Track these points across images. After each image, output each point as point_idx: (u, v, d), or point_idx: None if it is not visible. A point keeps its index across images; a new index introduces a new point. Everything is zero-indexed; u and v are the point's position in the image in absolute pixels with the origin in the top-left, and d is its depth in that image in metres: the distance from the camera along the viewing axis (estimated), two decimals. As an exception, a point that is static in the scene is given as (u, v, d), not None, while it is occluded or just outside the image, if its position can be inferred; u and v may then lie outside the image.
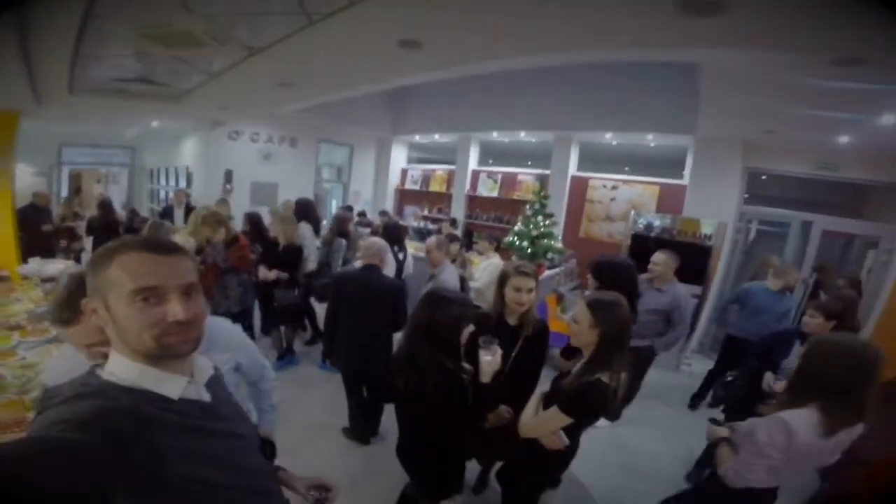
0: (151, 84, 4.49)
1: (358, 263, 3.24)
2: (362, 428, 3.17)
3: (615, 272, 2.63)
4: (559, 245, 5.99)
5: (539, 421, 1.72)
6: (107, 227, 5.51)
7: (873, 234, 5.12)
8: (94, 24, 2.85)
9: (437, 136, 8.76)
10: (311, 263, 4.37)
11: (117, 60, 3.68)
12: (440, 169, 9.02)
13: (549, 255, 5.87)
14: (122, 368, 0.75)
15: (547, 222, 5.85)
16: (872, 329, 5.04)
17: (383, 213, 8.05)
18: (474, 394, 1.73)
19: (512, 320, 2.07)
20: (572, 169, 6.87)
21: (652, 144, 6.31)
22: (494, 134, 7.73)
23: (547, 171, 7.03)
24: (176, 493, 0.69)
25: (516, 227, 6.00)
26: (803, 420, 1.51)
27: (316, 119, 7.40)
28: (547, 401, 1.74)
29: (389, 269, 4.01)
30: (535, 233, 5.79)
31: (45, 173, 8.20)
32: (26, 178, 7.42)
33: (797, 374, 1.62)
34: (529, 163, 7.79)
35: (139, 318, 0.72)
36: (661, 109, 5.57)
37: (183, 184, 7.83)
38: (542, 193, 5.90)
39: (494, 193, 7.96)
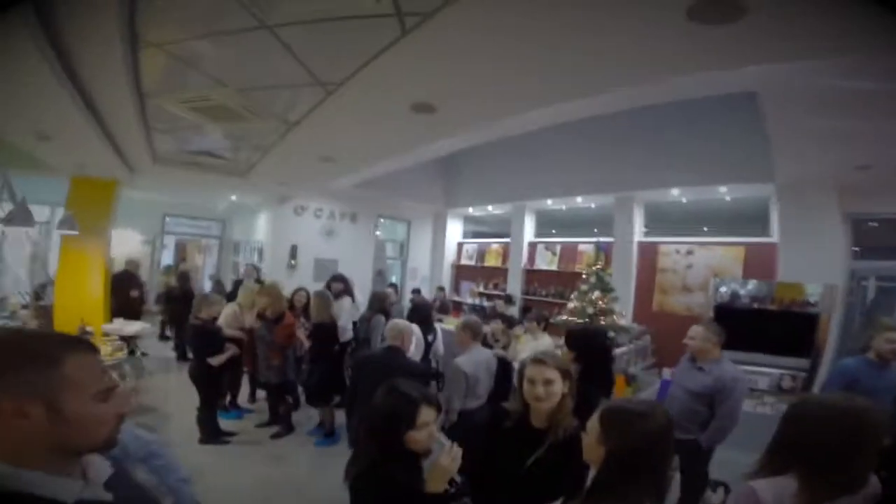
0: (216, 157, 5.00)
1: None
2: None
3: (588, 340, 2.57)
4: (623, 322, 5.21)
5: None
6: (184, 296, 5.96)
7: None
8: (148, 99, 3.22)
9: (490, 208, 8.65)
10: (346, 333, 4.41)
11: (180, 134, 4.14)
12: (495, 242, 8.77)
13: (610, 334, 5.08)
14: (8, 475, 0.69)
15: (606, 298, 5.17)
16: None
17: (440, 289, 7.95)
18: None
19: (538, 422, 1.70)
20: (638, 234, 6.20)
21: (728, 199, 5.54)
22: (549, 202, 7.41)
23: (611, 239, 6.40)
24: None
25: (571, 305, 5.38)
26: (775, 489, 1.27)
27: (373, 194, 7.69)
28: None
29: (418, 351, 3.88)
30: (591, 310, 5.12)
31: (150, 241, 9.30)
32: (135, 245, 8.53)
33: (775, 437, 1.41)
34: (595, 230, 7.22)
35: (100, 413, 0.75)
36: (730, 156, 4.88)
37: (256, 258, 8.41)
38: (597, 264, 5.30)
39: (553, 266, 7.43)
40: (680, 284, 5.70)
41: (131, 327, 5.01)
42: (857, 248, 4.62)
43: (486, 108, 3.09)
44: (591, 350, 2.36)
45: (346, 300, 4.86)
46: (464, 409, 2.94)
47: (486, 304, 7.96)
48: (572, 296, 5.47)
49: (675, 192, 5.73)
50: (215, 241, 10.72)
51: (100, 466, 0.82)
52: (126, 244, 7.97)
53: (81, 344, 0.79)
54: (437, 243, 9.71)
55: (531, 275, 7.73)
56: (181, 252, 10.74)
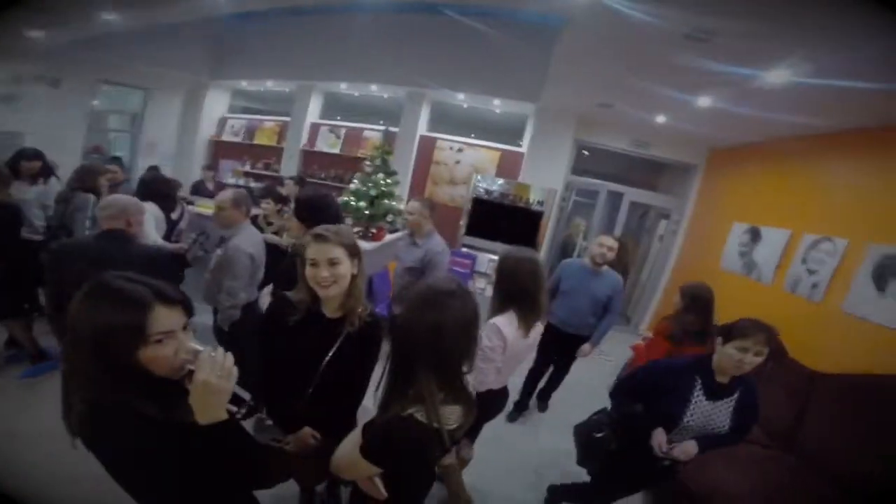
0: None
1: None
2: None
3: (321, 208, 2.28)
4: (402, 206, 5.50)
5: (343, 460, 1.15)
6: None
7: (667, 206, 5.94)
8: None
9: (269, 84, 7.41)
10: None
11: None
12: (270, 120, 7.67)
13: (390, 217, 5.34)
14: None
15: (389, 181, 5.28)
16: (667, 282, 5.86)
17: (208, 168, 6.46)
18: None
19: (329, 310, 1.48)
20: (422, 128, 6.44)
21: (497, 111, 6.27)
22: (343, 85, 6.83)
23: (395, 129, 6.44)
24: None
25: (352, 186, 5.29)
26: (508, 323, 1.82)
27: (92, 54, 5.55)
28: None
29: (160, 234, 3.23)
30: (374, 192, 5.16)
31: None
32: None
33: (497, 287, 1.91)
34: (382, 122, 7.11)
35: None
36: (512, 75, 5.49)
37: None
38: (384, 148, 5.28)
39: (336, 149, 7.06)
40: (449, 177, 6.34)
41: None
42: (575, 168, 6.02)
43: None
44: (325, 218, 1.98)
45: (51, 182, 3.42)
46: (249, 302, 2.56)
47: (255, 184, 7.08)
48: (355, 177, 5.37)
49: (460, 96, 6.11)
50: None
51: None
52: None
53: None
54: (189, 117, 7.85)
55: (310, 156, 7.20)
56: None
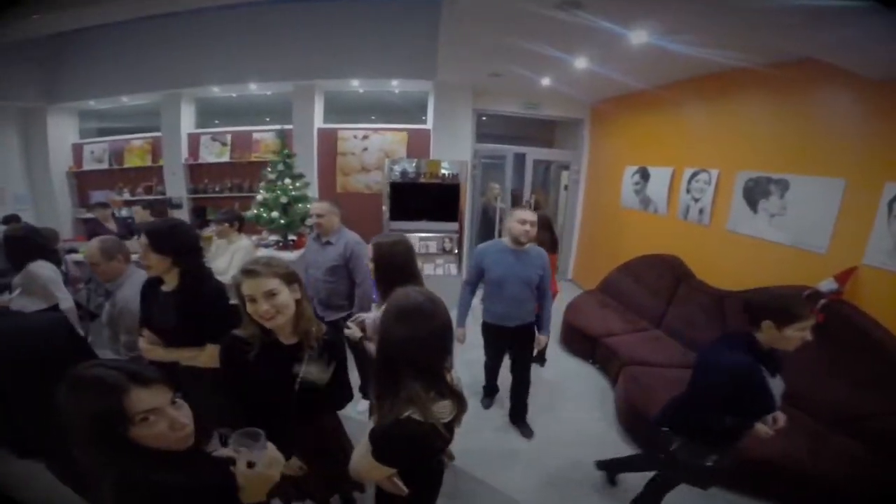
0: None
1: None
2: None
3: (178, 235, 1.90)
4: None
5: (360, 467, 1.22)
6: None
7: (566, 160, 6.43)
8: None
9: (124, 99, 6.49)
10: None
11: None
12: (137, 138, 6.74)
13: (309, 220, 5.11)
14: None
15: (297, 184, 5.01)
16: (579, 225, 6.44)
17: (8, 220, 4.79)
18: None
19: (284, 338, 1.49)
20: (318, 121, 6.12)
21: (397, 91, 6.18)
22: (215, 89, 6.19)
23: (289, 127, 6.03)
24: None
25: (259, 196, 4.95)
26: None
27: None
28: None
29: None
30: (284, 199, 4.88)
31: None
32: None
33: (379, 275, 1.91)
34: (268, 119, 6.60)
35: None
36: (405, 55, 5.45)
37: None
38: (284, 151, 4.98)
39: (225, 158, 6.46)
40: (358, 166, 6.18)
41: None
42: (478, 136, 6.21)
43: None
44: (179, 247, 1.84)
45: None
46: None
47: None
48: (260, 187, 5.02)
49: (354, 83, 5.91)
50: None
51: None
52: None
53: None
54: (34, 150, 6.64)
55: (197, 170, 6.52)
56: None
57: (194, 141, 6.50)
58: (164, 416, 0.93)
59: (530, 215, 2.63)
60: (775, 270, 3.14)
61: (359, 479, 1.28)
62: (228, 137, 6.46)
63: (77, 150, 6.88)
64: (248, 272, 1.39)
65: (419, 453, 1.20)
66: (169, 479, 0.90)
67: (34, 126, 6.54)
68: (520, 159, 6.31)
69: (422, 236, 5.42)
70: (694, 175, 4.01)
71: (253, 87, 6.13)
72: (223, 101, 6.58)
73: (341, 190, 6.25)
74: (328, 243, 2.87)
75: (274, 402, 1.43)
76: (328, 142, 6.15)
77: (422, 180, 5.49)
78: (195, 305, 1.81)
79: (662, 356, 3.35)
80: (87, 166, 6.81)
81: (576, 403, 3.41)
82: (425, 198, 5.49)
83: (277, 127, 5.49)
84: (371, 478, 1.25)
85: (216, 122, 6.76)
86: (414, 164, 5.54)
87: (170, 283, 1.86)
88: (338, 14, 5.54)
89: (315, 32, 5.57)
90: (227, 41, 5.79)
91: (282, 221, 4.88)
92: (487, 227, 6.05)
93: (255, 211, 4.91)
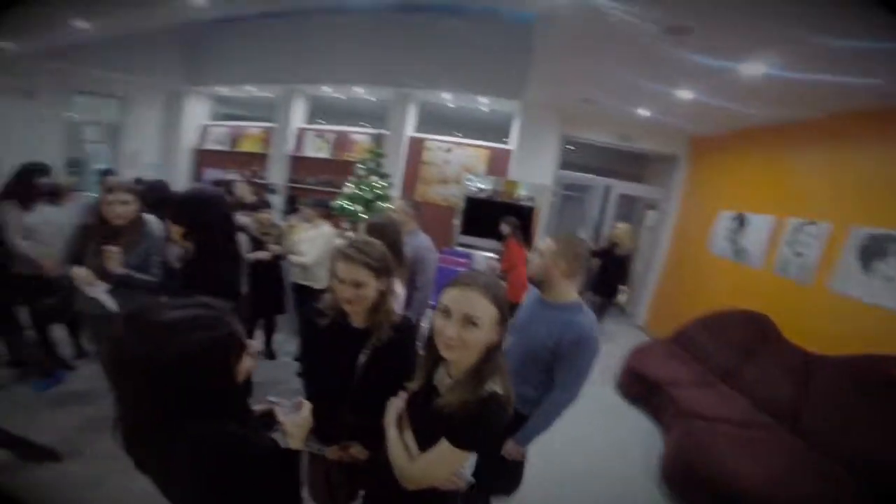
0: None
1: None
2: None
3: (199, 207, 2.17)
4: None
5: (428, 467, 1.11)
6: None
7: (654, 197, 6.10)
8: None
9: (250, 89, 7.31)
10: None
11: None
12: (255, 126, 7.58)
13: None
14: None
15: (383, 183, 5.30)
16: (660, 271, 6.01)
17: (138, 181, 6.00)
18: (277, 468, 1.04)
19: (357, 320, 1.44)
20: (410, 130, 6.46)
21: (485, 109, 6.34)
22: (327, 88, 6.77)
23: (384, 132, 6.44)
24: None
25: (346, 190, 5.29)
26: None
27: (66, 64, 5.41)
28: (421, 434, 1.16)
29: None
30: (369, 196, 5.17)
31: None
32: None
33: None
34: (361, 123, 7.11)
35: None
36: (496, 72, 5.55)
37: None
38: (376, 151, 5.30)
39: (325, 154, 7.03)
40: (439, 177, 6.38)
41: None
42: (561, 163, 6.12)
43: None
44: (208, 219, 2.15)
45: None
46: None
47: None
48: (349, 181, 5.37)
49: (445, 95, 6.15)
50: None
51: None
52: None
53: None
54: (170, 125, 7.71)
55: (299, 162, 7.14)
56: None
57: (301, 135, 7.16)
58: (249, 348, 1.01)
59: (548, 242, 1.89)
60: (885, 339, 2.69)
61: (414, 484, 1.13)
62: (332, 137, 7.04)
63: (203, 130, 7.90)
64: (344, 255, 1.36)
65: (502, 429, 1.12)
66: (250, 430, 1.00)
67: (174, 104, 7.64)
68: (604, 192, 6.11)
69: (488, 255, 5.41)
70: (799, 226, 3.59)
71: (359, 91, 6.61)
72: (332, 101, 7.16)
73: (419, 198, 6.46)
74: None
75: (331, 379, 1.43)
76: (415, 150, 6.45)
77: (497, 199, 5.51)
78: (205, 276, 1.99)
79: (728, 412, 3.00)
80: (208, 146, 7.79)
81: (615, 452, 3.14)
82: (497, 217, 5.49)
83: (375, 130, 5.84)
84: (438, 475, 1.12)
85: (321, 120, 7.41)
86: (491, 182, 5.59)
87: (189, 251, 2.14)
88: (436, 26, 5.65)
89: (415, 43, 5.74)
90: (340, 44, 6.20)
91: (362, 216, 5.16)
92: (612, 275, 5.33)
93: (341, 202, 5.25)
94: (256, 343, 1.08)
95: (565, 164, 6.22)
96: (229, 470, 0.89)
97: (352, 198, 5.23)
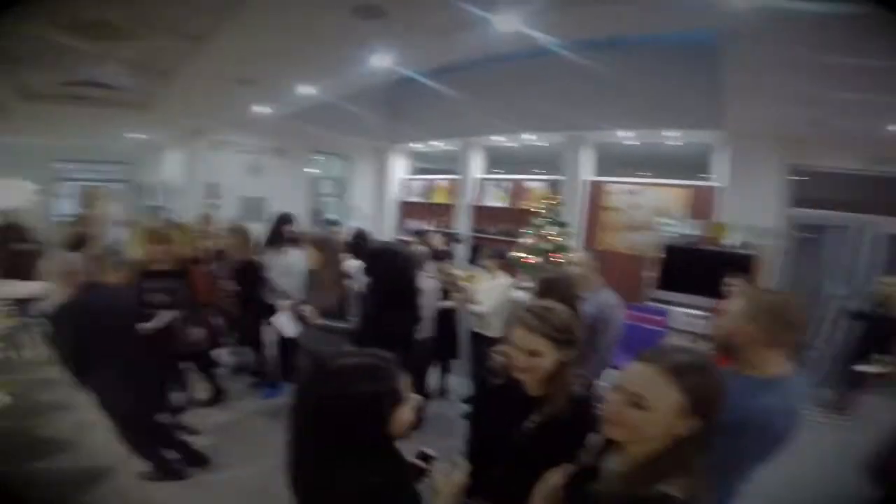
0: (107, 88, 3.97)
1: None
2: None
3: (389, 261, 2.46)
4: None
5: None
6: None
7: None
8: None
9: (438, 143, 8.18)
10: None
11: (55, 61, 3.15)
12: (444, 179, 8.42)
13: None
14: None
15: (562, 232, 5.19)
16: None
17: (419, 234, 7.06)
18: None
19: (534, 389, 1.31)
20: (587, 173, 6.21)
21: (674, 143, 5.66)
22: (500, 138, 7.10)
23: (561, 177, 6.36)
24: None
25: (525, 241, 5.35)
26: None
27: (306, 127, 6.88)
28: None
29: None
30: (548, 247, 5.12)
31: (47, 191, 7.55)
32: (28, 196, 6.79)
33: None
34: (538, 170, 7.17)
35: None
36: (680, 102, 4.94)
37: (164, 200, 7.29)
38: (552, 199, 5.25)
39: (504, 203, 7.32)
40: (625, 223, 5.90)
41: (25, 288, 4.12)
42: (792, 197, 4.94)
43: (439, 16, 2.66)
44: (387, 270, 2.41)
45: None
46: None
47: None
48: (526, 231, 5.42)
49: (625, 134, 5.73)
50: (122, 185, 8.98)
51: None
52: (19, 196, 6.31)
53: None
54: (380, 180, 9.14)
55: (480, 212, 7.60)
56: (86, 200, 8.87)
57: (481, 185, 7.63)
58: (411, 402, 1.04)
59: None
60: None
61: None
62: (508, 184, 7.30)
63: (404, 184, 9.13)
64: (522, 321, 1.27)
65: None
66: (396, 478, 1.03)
67: (380, 161, 9.02)
68: (856, 232, 4.65)
69: (690, 312, 4.63)
70: None
71: (530, 137, 6.68)
72: (506, 149, 7.44)
73: (602, 247, 6.09)
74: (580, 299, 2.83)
75: (491, 440, 1.35)
76: (595, 195, 6.13)
77: (703, 246, 4.75)
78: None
79: None
80: (408, 198, 8.97)
81: None
82: (702, 267, 4.69)
83: (550, 177, 5.79)
84: None
85: (500, 169, 7.76)
86: (693, 227, 4.87)
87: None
88: (604, 63, 5.20)
89: (583, 83, 5.43)
90: (508, 91, 6.36)
91: (540, 269, 5.13)
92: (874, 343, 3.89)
93: (518, 255, 5.34)
94: (419, 398, 1.09)
95: (798, 201, 5.00)
96: None
97: (531, 250, 5.26)
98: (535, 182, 6.91)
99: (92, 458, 2.68)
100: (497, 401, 1.37)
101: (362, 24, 2.71)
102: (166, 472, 2.50)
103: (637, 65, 5.09)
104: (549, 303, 1.34)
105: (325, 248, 2.62)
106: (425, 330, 3.22)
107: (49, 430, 2.95)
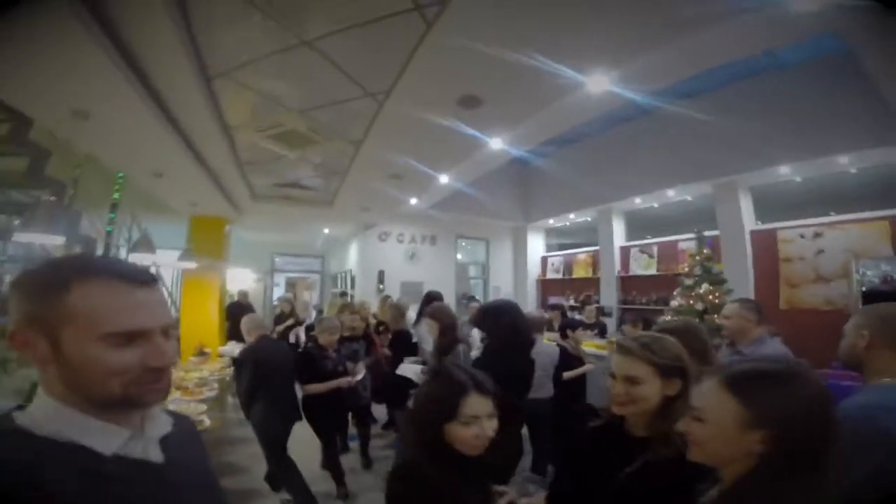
0: (304, 189, 5.45)
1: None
2: None
3: (496, 316, 2.45)
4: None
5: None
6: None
7: None
8: (233, 132, 3.64)
9: (572, 216, 8.19)
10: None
11: (268, 167, 4.59)
12: (582, 252, 8.23)
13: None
14: (44, 414, 0.61)
15: (718, 291, 4.46)
16: None
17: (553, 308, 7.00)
18: None
19: (636, 428, 1.22)
20: (749, 222, 5.33)
21: (853, 170, 4.56)
22: (637, 200, 6.75)
23: (716, 233, 5.59)
24: None
25: (673, 303, 4.75)
26: None
27: (450, 214, 7.78)
28: None
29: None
30: (699, 307, 4.44)
31: (262, 279, 10.36)
32: (249, 282, 9.50)
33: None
34: (695, 229, 6.41)
35: (109, 363, 0.60)
36: (844, 122, 4.09)
37: (349, 286, 8.93)
38: (701, 254, 4.64)
39: (652, 270, 6.69)
40: (811, 274, 4.71)
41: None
42: None
43: (531, 97, 2.93)
44: (498, 326, 2.39)
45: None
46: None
47: (578, 316, 7.38)
48: (675, 293, 4.82)
49: (783, 169, 4.86)
50: (318, 276, 11.69)
51: (158, 421, 0.71)
52: (242, 281, 9.00)
53: (105, 271, 0.63)
54: (518, 259, 9.45)
55: (627, 282, 7.05)
56: (291, 288, 11.81)
57: (625, 253, 7.18)
58: (479, 423, 1.10)
59: None
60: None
61: None
62: (654, 249, 6.71)
63: (543, 261, 9.19)
64: (620, 347, 1.24)
65: None
66: (443, 476, 1.07)
67: (519, 240, 9.35)
68: None
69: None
70: None
71: (671, 194, 6.18)
72: (647, 212, 7.00)
73: (786, 306, 4.93)
74: (737, 352, 2.38)
75: (587, 485, 1.23)
76: (765, 245, 5.14)
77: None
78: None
79: None
80: (548, 275, 8.93)
81: None
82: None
83: (700, 233, 5.14)
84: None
85: (646, 235, 7.23)
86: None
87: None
88: (746, 97, 4.82)
89: (725, 122, 4.88)
90: (638, 150, 6.15)
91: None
92: None
93: (667, 317, 4.73)
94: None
95: None
96: None
97: (678, 312, 4.62)
98: (686, 241, 6.19)
99: (256, 482, 3.32)
100: (593, 444, 1.30)
101: (466, 113, 3.15)
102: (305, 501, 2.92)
103: (781, 90, 4.53)
104: (659, 335, 1.28)
105: (441, 317, 2.95)
106: (544, 390, 3.27)
107: (232, 457, 3.78)
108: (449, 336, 2.91)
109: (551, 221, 8.79)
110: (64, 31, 1.91)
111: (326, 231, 8.73)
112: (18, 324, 0.60)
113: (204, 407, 3.02)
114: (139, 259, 3.78)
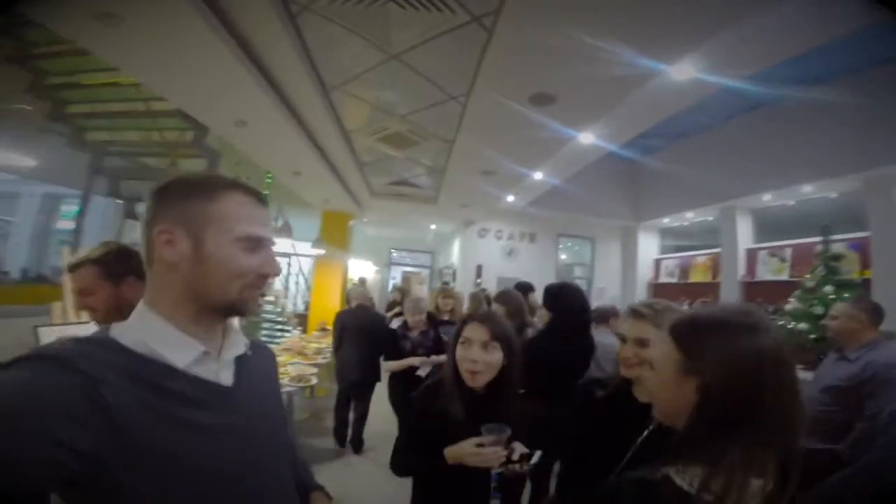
0: (413, 186, 6.16)
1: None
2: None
3: (561, 296, 2.47)
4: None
5: None
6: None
7: None
8: (351, 136, 4.41)
9: (690, 215, 7.51)
10: None
11: (382, 166, 5.35)
12: (702, 254, 7.49)
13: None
14: (134, 323, 0.67)
15: (844, 294, 3.86)
16: None
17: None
18: None
19: (641, 394, 1.22)
20: (906, 219, 4.40)
21: None
22: (767, 197, 5.95)
23: (866, 234, 4.73)
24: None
25: (788, 306, 4.23)
26: None
27: (549, 213, 7.86)
28: None
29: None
30: (820, 310, 3.89)
31: (380, 271, 11.82)
32: (370, 273, 10.86)
33: None
34: (825, 227, 5.46)
35: (238, 263, 0.69)
36: None
37: (451, 280, 9.56)
38: (829, 254, 4.05)
39: (784, 276, 5.84)
40: None
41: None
42: None
43: (603, 90, 2.99)
44: (571, 307, 2.46)
45: None
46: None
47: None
48: (793, 294, 4.29)
49: None
50: (428, 270, 12.70)
51: (237, 343, 0.76)
52: (363, 272, 10.31)
53: (241, 187, 0.73)
54: (627, 261, 8.98)
55: (752, 288, 6.27)
56: (406, 283, 12.97)
57: (751, 256, 6.39)
58: (471, 347, 1.30)
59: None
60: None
61: None
62: (788, 252, 5.87)
63: (656, 263, 8.59)
64: (634, 312, 1.25)
65: None
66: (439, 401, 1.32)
67: (628, 240, 8.89)
68: None
69: None
70: None
71: (808, 190, 5.37)
72: (779, 210, 6.15)
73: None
74: (844, 358, 2.26)
75: (598, 456, 1.22)
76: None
77: None
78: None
79: None
80: (661, 279, 8.32)
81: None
82: None
83: (825, 233, 4.45)
84: None
85: (776, 236, 6.34)
86: None
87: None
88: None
89: (876, 105, 4.22)
90: (770, 140, 5.49)
91: (811, 336, 3.90)
92: None
93: (782, 322, 4.25)
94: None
95: None
96: None
97: (795, 314, 4.10)
98: (819, 244, 5.28)
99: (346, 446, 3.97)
100: (601, 414, 1.29)
101: (541, 110, 3.31)
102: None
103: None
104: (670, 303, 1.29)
105: (507, 300, 3.11)
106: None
107: (330, 422, 4.17)
108: (516, 319, 2.99)
109: (666, 221, 8.19)
110: (229, 62, 2.71)
111: (433, 227, 9.49)
112: (166, 223, 0.67)
113: (315, 369, 3.79)
114: (280, 241, 4.81)
